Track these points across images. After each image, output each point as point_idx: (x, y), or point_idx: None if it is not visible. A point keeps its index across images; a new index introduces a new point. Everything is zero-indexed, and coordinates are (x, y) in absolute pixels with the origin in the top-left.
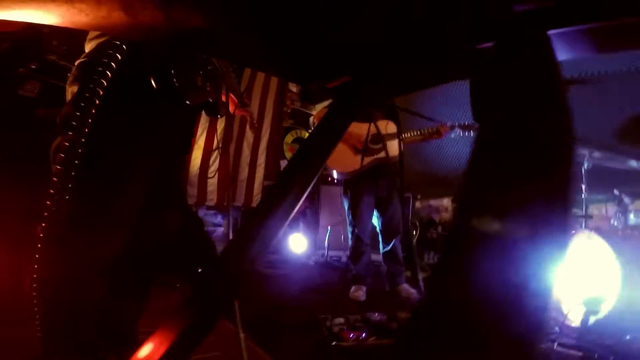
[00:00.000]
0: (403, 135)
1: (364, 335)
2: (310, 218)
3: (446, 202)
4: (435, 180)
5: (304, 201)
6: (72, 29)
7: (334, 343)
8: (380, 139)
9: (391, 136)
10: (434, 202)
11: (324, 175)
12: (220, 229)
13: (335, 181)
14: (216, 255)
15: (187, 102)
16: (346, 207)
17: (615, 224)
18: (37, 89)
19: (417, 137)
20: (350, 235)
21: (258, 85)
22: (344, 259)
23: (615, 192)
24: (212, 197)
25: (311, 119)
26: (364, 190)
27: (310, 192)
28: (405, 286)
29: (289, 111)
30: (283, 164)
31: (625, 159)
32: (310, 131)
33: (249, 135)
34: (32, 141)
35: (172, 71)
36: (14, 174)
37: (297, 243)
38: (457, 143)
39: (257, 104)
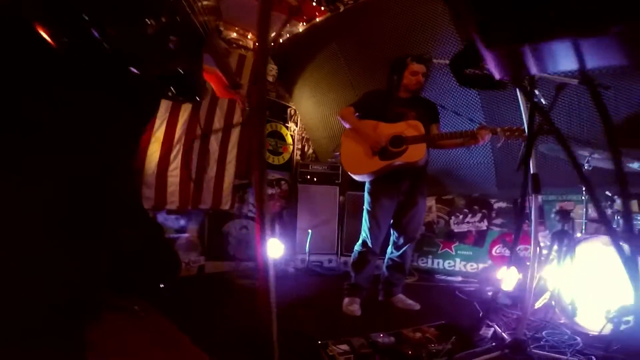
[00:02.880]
0: (433, 137)
1: None
2: (287, 220)
3: (431, 202)
4: None
5: (279, 202)
6: None
7: None
8: (402, 141)
9: (417, 139)
10: None
11: (300, 172)
12: (185, 236)
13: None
14: (179, 269)
15: (135, 71)
16: (365, 209)
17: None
18: None
19: (449, 141)
20: (361, 240)
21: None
22: (326, 265)
23: (607, 193)
24: (173, 200)
25: (289, 110)
26: (384, 194)
27: (286, 190)
28: (402, 297)
29: None
30: None
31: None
32: (287, 125)
33: (217, 127)
34: None
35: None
36: None
37: (273, 248)
38: None
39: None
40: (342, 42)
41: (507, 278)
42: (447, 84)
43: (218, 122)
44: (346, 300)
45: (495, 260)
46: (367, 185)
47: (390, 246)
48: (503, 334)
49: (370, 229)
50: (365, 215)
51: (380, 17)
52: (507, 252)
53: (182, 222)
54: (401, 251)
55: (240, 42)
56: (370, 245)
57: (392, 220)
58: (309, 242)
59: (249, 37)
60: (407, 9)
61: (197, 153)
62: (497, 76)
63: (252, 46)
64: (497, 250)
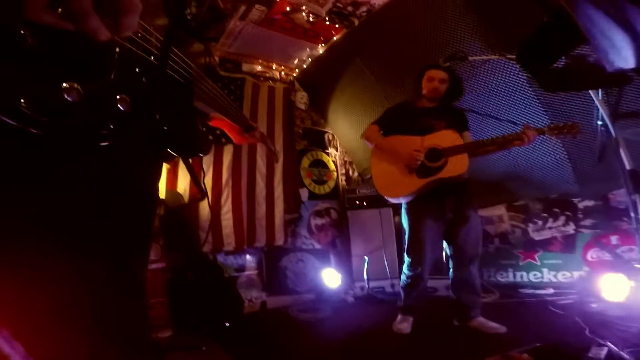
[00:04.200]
0: (474, 145)
1: None
2: (341, 248)
3: (500, 211)
4: (484, 189)
5: (331, 231)
6: None
7: None
8: (440, 154)
9: (457, 149)
10: (483, 213)
11: (348, 199)
12: (245, 274)
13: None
14: (242, 307)
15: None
16: (406, 231)
17: None
18: None
19: (490, 146)
20: (406, 264)
21: (262, 106)
22: (388, 290)
23: None
24: (229, 241)
25: (326, 136)
26: (428, 214)
27: (337, 219)
28: (482, 320)
29: (300, 132)
30: (303, 193)
31: None
32: (327, 151)
33: (261, 165)
34: None
35: None
36: None
37: (330, 278)
38: None
39: (265, 130)
40: (365, 56)
41: (615, 286)
42: (490, 82)
43: (261, 159)
44: (398, 318)
45: (592, 266)
46: (404, 206)
47: (450, 268)
48: (621, 352)
49: (415, 253)
50: (407, 237)
51: (396, 23)
52: (607, 256)
53: (241, 260)
54: (465, 271)
55: (267, 74)
56: (418, 269)
57: (444, 241)
58: (367, 268)
59: (273, 67)
60: (423, 10)
61: (245, 193)
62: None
63: (278, 76)
64: (593, 255)
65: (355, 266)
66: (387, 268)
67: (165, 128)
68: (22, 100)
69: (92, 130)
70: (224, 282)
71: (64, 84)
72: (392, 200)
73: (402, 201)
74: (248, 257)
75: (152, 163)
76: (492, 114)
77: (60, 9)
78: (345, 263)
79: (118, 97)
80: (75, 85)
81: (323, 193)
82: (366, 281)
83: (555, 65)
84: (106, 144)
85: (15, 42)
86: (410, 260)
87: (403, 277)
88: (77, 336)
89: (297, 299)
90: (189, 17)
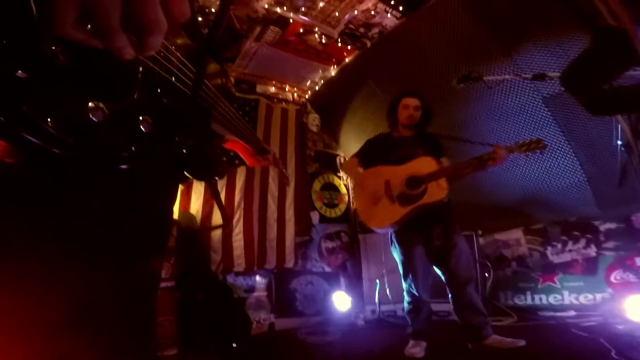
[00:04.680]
0: (449, 169)
1: None
2: (352, 272)
3: (517, 234)
4: (500, 212)
5: (341, 254)
6: None
7: None
8: (419, 181)
9: (434, 175)
10: (500, 237)
11: (359, 222)
12: (254, 295)
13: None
14: (250, 328)
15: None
16: (397, 260)
17: None
18: None
19: (467, 169)
20: (405, 291)
21: (275, 128)
22: (400, 313)
23: None
24: (239, 262)
25: (338, 159)
26: (416, 241)
27: (348, 242)
28: (497, 337)
29: (312, 154)
30: (314, 216)
31: None
32: (338, 175)
33: (273, 187)
34: None
35: None
36: None
37: (340, 301)
38: (519, 165)
39: (277, 152)
40: (377, 77)
41: None
42: (505, 103)
43: (273, 182)
44: (410, 343)
45: (616, 288)
46: (393, 235)
47: (449, 294)
48: None
49: (411, 279)
50: (400, 266)
51: (408, 44)
52: (632, 278)
53: (251, 281)
54: (463, 295)
55: (280, 96)
56: (417, 294)
57: (437, 269)
58: (378, 292)
59: (286, 89)
60: (434, 32)
61: (257, 215)
62: None
63: (291, 98)
64: (616, 276)
65: (366, 289)
66: (400, 291)
67: (184, 150)
68: (49, 119)
69: (114, 152)
70: (233, 302)
71: (90, 104)
72: (379, 231)
73: (389, 230)
74: (258, 278)
75: (169, 185)
76: (507, 136)
77: (89, 26)
78: (356, 286)
79: (141, 117)
80: (101, 105)
81: (334, 216)
82: (377, 305)
83: (604, 86)
84: (126, 166)
85: (46, 58)
86: (407, 287)
87: (405, 304)
88: (80, 346)
89: (306, 322)
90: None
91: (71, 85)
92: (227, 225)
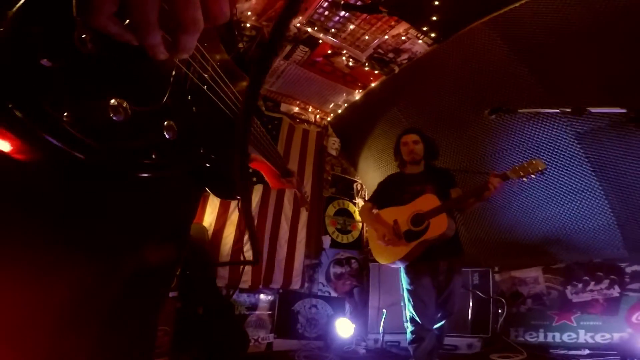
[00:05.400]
0: (447, 204)
1: None
2: (358, 299)
3: (536, 272)
4: (520, 250)
5: (350, 280)
6: None
7: None
8: (422, 218)
9: (434, 211)
10: (516, 274)
11: (370, 250)
12: (256, 313)
13: None
14: (247, 346)
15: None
16: (404, 288)
17: None
18: None
19: (464, 202)
20: (409, 322)
21: (295, 149)
22: (403, 344)
23: None
24: (245, 279)
25: (355, 185)
26: (424, 275)
27: (357, 269)
28: None
29: (329, 179)
30: (325, 240)
31: None
32: (354, 202)
33: (287, 208)
34: None
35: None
36: None
37: (343, 327)
38: (545, 204)
39: (295, 172)
40: (402, 105)
41: None
42: (534, 137)
43: (288, 202)
44: None
45: (636, 327)
46: (403, 269)
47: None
48: None
49: (416, 308)
50: (406, 295)
51: (437, 72)
52: None
53: (254, 299)
54: (438, 325)
55: (303, 116)
56: (421, 322)
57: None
58: (384, 321)
59: (309, 110)
60: (465, 60)
61: (268, 234)
62: None
63: (313, 119)
64: (638, 317)
65: (372, 318)
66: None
67: (207, 165)
68: (65, 114)
69: (134, 158)
70: (232, 319)
71: (113, 100)
72: (392, 266)
73: (401, 265)
74: (262, 296)
75: (189, 202)
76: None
77: (127, 20)
78: (361, 314)
79: (165, 123)
80: (125, 104)
81: (346, 242)
82: (381, 334)
83: None
84: (145, 175)
85: (73, 44)
86: (410, 315)
87: (408, 334)
88: (77, 344)
89: (305, 345)
90: (240, 52)
91: (95, 78)
92: (256, 262)
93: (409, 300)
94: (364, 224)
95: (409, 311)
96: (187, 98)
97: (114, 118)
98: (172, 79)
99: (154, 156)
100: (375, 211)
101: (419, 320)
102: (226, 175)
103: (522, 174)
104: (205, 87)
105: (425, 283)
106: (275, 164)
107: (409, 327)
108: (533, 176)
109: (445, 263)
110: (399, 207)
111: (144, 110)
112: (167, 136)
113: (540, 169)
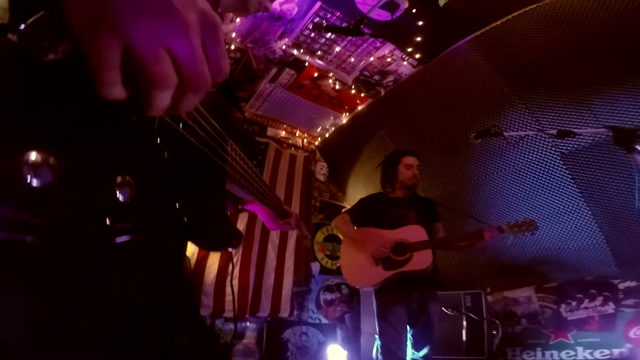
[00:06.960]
0: (437, 243)
1: None
2: (350, 325)
3: (529, 292)
4: (511, 271)
5: (340, 306)
6: None
7: None
8: (405, 248)
9: (421, 245)
10: (509, 294)
11: None
12: (242, 342)
13: None
14: None
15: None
16: (377, 316)
17: None
18: None
19: (454, 245)
20: (381, 347)
21: (282, 175)
22: None
23: None
24: (231, 307)
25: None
26: (395, 301)
27: (348, 295)
28: None
29: (317, 205)
30: (314, 266)
31: None
32: None
33: (274, 235)
34: None
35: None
36: None
37: (335, 354)
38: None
39: (282, 199)
40: (388, 128)
41: None
42: (517, 159)
43: (274, 232)
44: None
45: (635, 342)
46: (374, 292)
47: (410, 348)
48: None
49: (388, 335)
50: (377, 322)
51: (423, 93)
52: None
53: (240, 328)
54: (423, 352)
55: (290, 141)
56: (394, 350)
57: (408, 325)
58: (376, 347)
59: (297, 134)
60: (450, 81)
61: (255, 263)
62: None
63: (301, 144)
64: (637, 332)
65: (364, 344)
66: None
67: (185, 219)
68: None
69: (81, 227)
70: (217, 350)
71: (32, 154)
72: (361, 288)
73: (370, 289)
74: (249, 324)
75: (175, 258)
76: (521, 195)
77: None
78: (353, 340)
79: (119, 179)
80: (51, 159)
81: (335, 268)
82: None
83: None
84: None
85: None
86: (381, 343)
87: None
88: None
89: None
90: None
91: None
92: (238, 319)
93: (381, 327)
94: (341, 248)
95: (380, 338)
96: (155, 142)
97: (34, 182)
98: (133, 119)
99: (108, 222)
100: (351, 227)
101: (392, 348)
102: (209, 227)
103: (516, 230)
104: (180, 126)
105: (397, 310)
106: (271, 205)
107: (378, 356)
108: (526, 234)
109: (417, 293)
110: (379, 231)
111: (81, 164)
112: (120, 198)
113: (531, 229)
